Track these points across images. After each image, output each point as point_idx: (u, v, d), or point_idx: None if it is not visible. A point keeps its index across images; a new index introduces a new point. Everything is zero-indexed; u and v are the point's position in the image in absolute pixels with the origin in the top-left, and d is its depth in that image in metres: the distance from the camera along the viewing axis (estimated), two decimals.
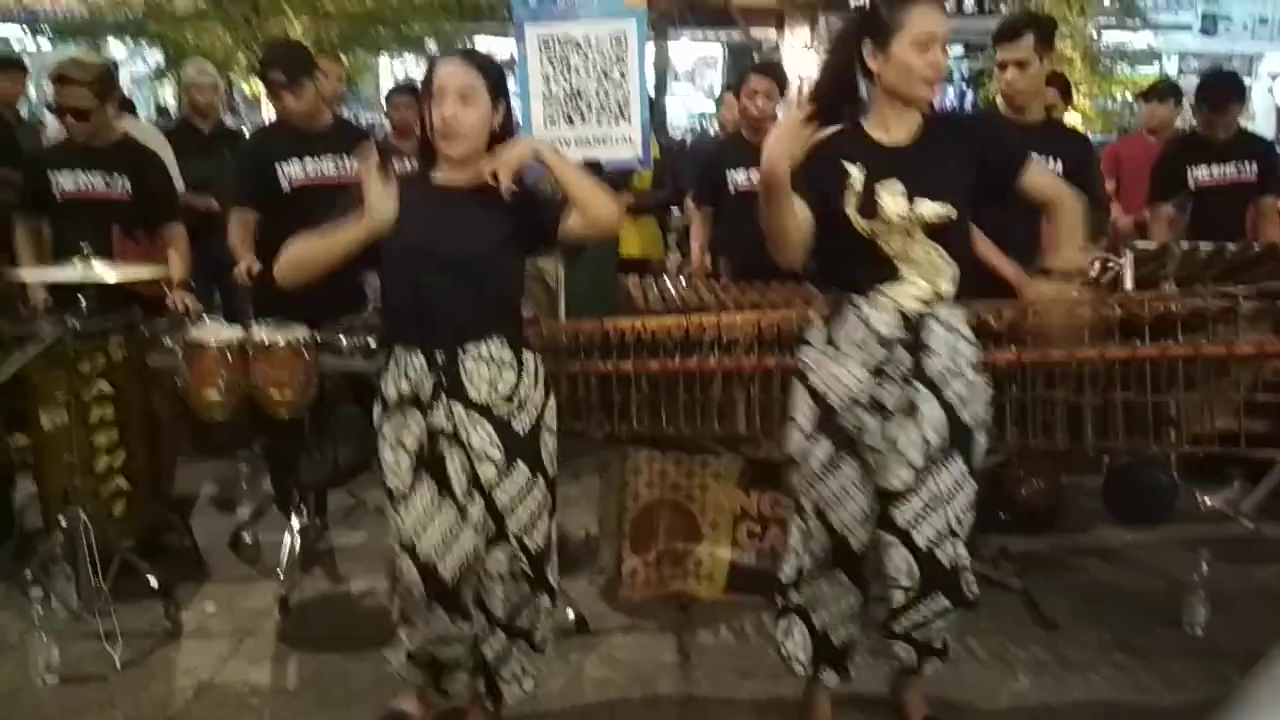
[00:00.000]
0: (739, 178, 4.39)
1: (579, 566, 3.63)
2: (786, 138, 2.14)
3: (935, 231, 2.31)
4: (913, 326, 2.34)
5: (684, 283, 3.89)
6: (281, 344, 3.13)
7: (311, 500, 3.63)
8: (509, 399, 2.39)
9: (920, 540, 2.34)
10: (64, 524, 3.09)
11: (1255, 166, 4.47)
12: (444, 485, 2.40)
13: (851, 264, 2.37)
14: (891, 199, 2.30)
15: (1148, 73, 12.07)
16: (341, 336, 3.22)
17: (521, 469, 2.41)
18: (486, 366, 2.37)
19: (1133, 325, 2.92)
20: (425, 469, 2.40)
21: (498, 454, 2.37)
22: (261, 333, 3.15)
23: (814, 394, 2.42)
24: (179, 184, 4.51)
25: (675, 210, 5.89)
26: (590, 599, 3.42)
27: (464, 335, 2.37)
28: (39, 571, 3.13)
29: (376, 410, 2.47)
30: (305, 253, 2.39)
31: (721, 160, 4.56)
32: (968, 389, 2.38)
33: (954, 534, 2.37)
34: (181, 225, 3.91)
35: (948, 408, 2.34)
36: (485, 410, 2.37)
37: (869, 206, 2.31)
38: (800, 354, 2.49)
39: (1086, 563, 3.82)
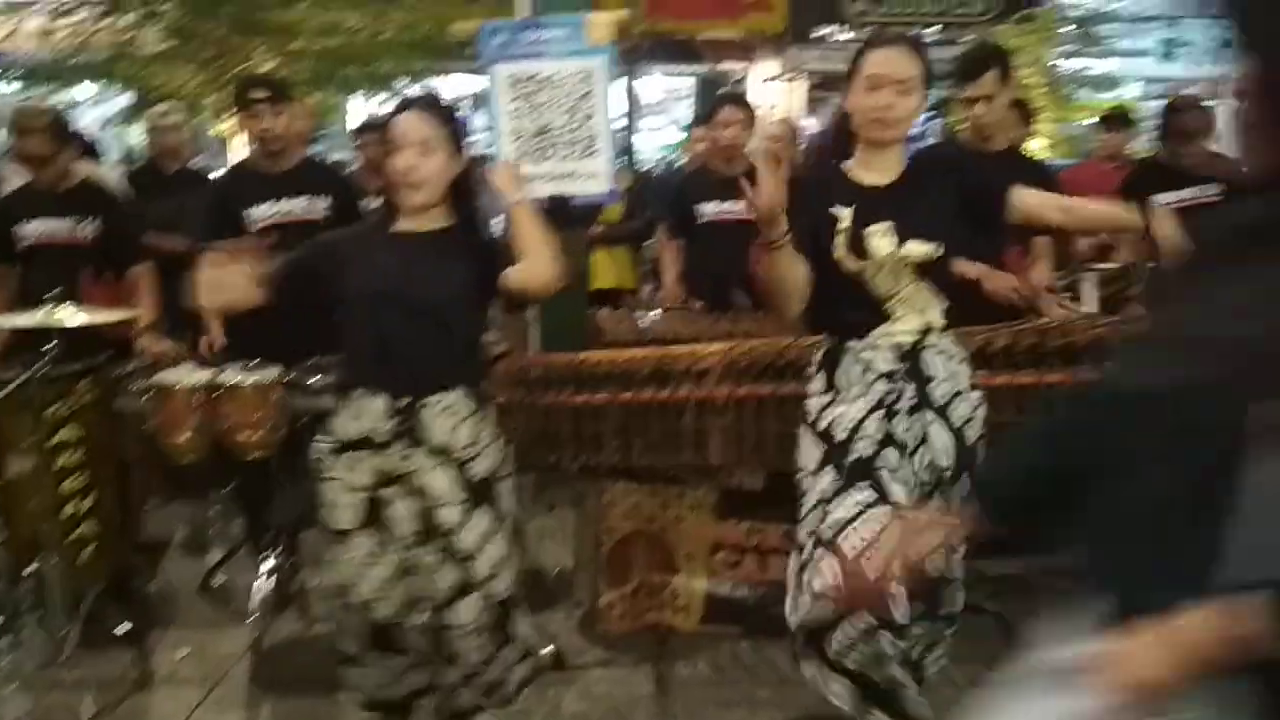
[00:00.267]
0: (708, 209, 4.44)
1: (555, 601, 3.61)
2: (770, 200, 2.14)
3: (923, 269, 2.34)
4: (910, 356, 2.37)
5: (658, 313, 3.91)
6: (249, 385, 3.11)
7: (283, 541, 3.58)
8: (468, 446, 2.39)
9: None
10: (32, 571, 3.04)
11: (1218, 189, 4.53)
12: (387, 530, 2.38)
13: (843, 307, 2.38)
14: (879, 240, 2.32)
15: (1111, 98, 12.26)
16: (311, 375, 3.20)
17: (484, 514, 2.40)
18: (448, 417, 2.38)
19: (1100, 348, 2.96)
20: (371, 512, 2.38)
21: (461, 496, 2.36)
22: (229, 374, 3.14)
23: (820, 435, 2.40)
24: None
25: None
26: (567, 633, 3.40)
27: (428, 383, 2.37)
28: (7, 619, 3.08)
29: (321, 448, 2.45)
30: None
31: (690, 192, 4.61)
32: (971, 409, 2.41)
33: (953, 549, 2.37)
34: (148, 268, 3.89)
35: (955, 432, 2.38)
36: (445, 455, 2.37)
37: (858, 248, 2.33)
38: (804, 407, 2.49)
39: (1060, 583, 3.83)
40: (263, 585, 3.40)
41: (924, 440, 2.36)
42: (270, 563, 3.45)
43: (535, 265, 2.41)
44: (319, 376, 3.19)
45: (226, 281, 2.42)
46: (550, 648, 3.20)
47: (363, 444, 2.38)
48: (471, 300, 2.46)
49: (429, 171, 2.37)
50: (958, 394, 2.40)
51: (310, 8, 8.56)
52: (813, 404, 2.45)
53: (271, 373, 3.15)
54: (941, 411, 2.37)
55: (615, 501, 3.42)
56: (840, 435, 2.36)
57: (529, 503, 3.66)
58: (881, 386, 2.35)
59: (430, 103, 2.49)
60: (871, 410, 2.35)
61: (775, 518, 3.22)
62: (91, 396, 3.29)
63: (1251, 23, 1.03)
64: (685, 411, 3.15)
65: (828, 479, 2.36)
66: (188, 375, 3.18)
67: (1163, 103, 4.99)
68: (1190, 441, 1.02)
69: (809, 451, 2.43)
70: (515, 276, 2.42)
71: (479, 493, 2.40)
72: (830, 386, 2.41)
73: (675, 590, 3.41)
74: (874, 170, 2.41)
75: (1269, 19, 1.00)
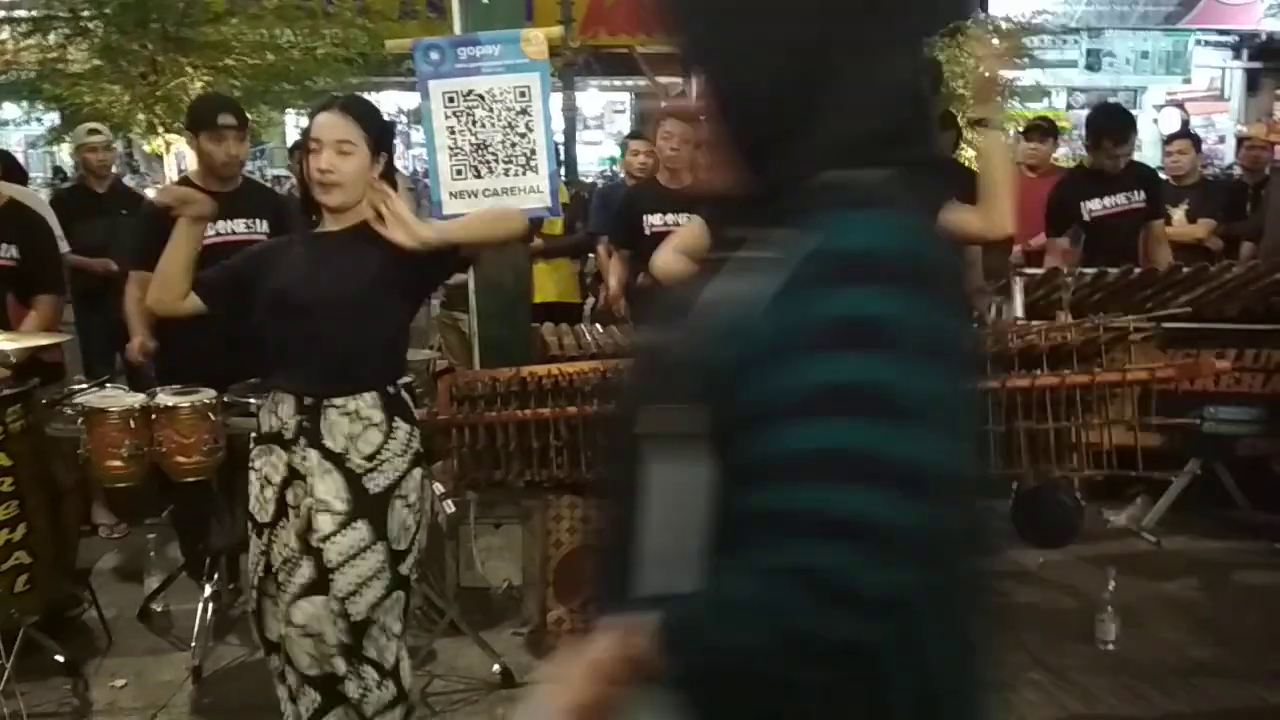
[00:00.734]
0: (654, 220, 4.49)
1: (503, 618, 3.59)
2: None
3: None
4: None
5: (600, 328, 3.92)
6: (185, 407, 3.06)
7: (223, 565, 3.53)
8: (368, 458, 2.37)
9: None
10: None
11: (1144, 195, 4.66)
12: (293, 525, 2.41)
13: None
14: None
15: (1038, 108, 12.57)
16: (250, 396, 3.16)
17: (361, 529, 2.35)
18: (350, 421, 2.37)
19: (1031, 355, 3.03)
20: (286, 505, 2.40)
21: (340, 506, 2.34)
22: (164, 397, 3.09)
23: None
24: (64, 246, 4.43)
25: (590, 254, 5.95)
26: (515, 650, 3.39)
27: (334, 383, 2.37)
28: None
29: (252, 439, 2.51)
30: (159, 270, 2.50)
31: (637, 204, 4.65)
32: None
33: None
34: (58, 297, 3.80)
35: None
36: (339, 461, 2.35)
37: None
38: None
39: (1002, 585, 3.90)
40: (202, 610, 3.35)
41: None
42: (209, 588, 3.41)
43: (499, 235, 2.49)
44: (257, 397, 3.15)
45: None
46: (497, 666, 3.19)
47: (276, 439, 2.41)
48: (384, 296, 2.43)
49: (347, 172, 2.36)
50: None
51: (242, 24, 8.44)
52: None
53: (208, 394, 3.10)
54: None
55: (562, 515, 3.42)
56: None
57: (475, 520, 3.63)
58: None
59: (349, 103, 2.46)
60: None
61: None
62: (21, 422, 3.20)
63: (700, 41, 1.05)
64: None
65: None
66: (121, 399, 3.12)
67: (1088, 111, 5.09)
68: (624, 450, 1.03)
69: None
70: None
71: (367, 507, 2.36)
72: None
73: None
74: None
75: (717, 37, 1.02)
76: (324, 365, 2.37)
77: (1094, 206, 4.64)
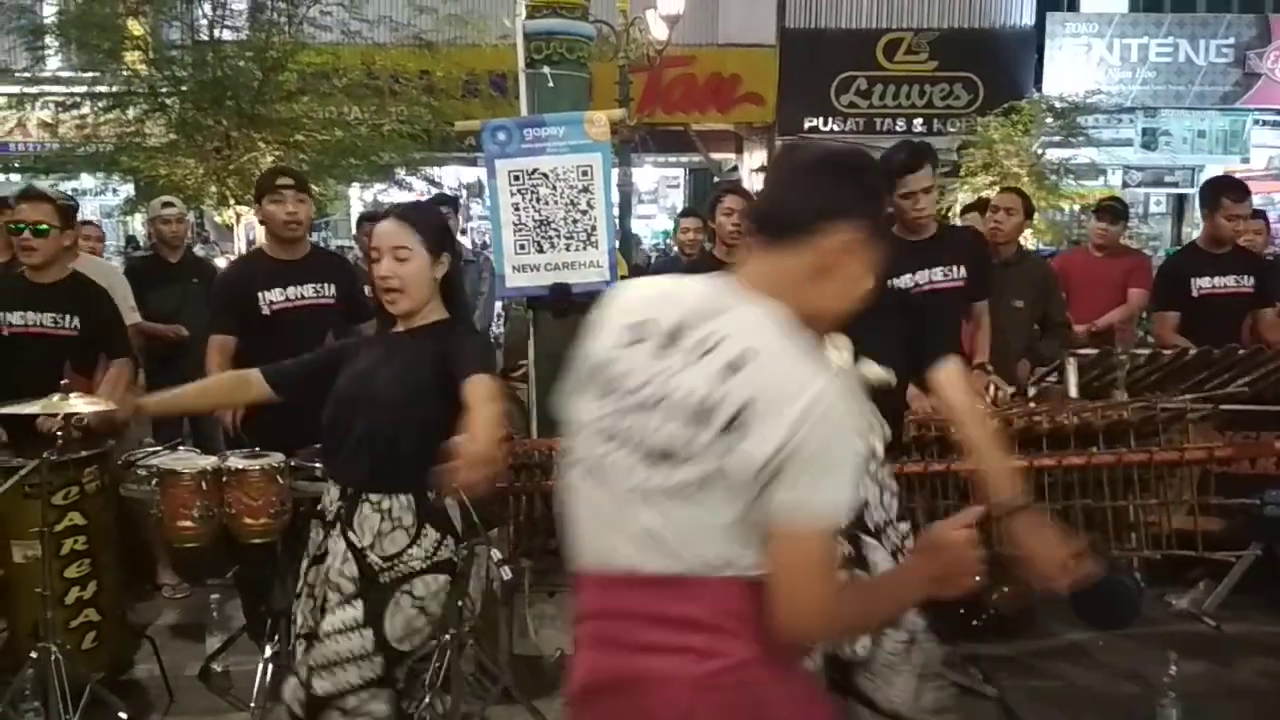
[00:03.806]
0: None
1: (556, 686, 3.59)
2: None
3: (875, 394, 2.36)
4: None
5: None
6: (255, 470, 3.14)
7: (284, 627, 3.58)
8: (387, 559, 2.43)
9: None
10: (34, 657, 3.04)
11: (1252, 280, 4.61)
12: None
13: None
14: (836, 354, 2.29)
15: (1093, 186, 12.53)
16: (316, 461, 3.24)
17: (356, 608, 2.41)
18: (381, 519, 2.44)
19: (1088, 433, 3.03)
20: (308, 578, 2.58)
21: (349, 588, 2.44)
22: (235, 460, 3.17)
23: None
24: (136, 315, 4.57)
25: None
26: None
27: (372, 479, 2.45)
28: (8, 707, 3.07)
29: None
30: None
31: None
32: (897, 533, 2.48)
33: None
34: (128, 361, 3.89)
35: (893, 556, 2.42)
36: (360, 555, 2.45)
37: None
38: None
39: (1060, 667, 3.84)
40: (263, 671, 3.40)
41: (861, 564, 2.38)
42: (270, 649, 3.45)
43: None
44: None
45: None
46: None
47: (320, 521, 2.58)
48: (434, 396, 2.39)
49: (406, 276, 2.42)
50: (889, 520, 2.47)
51: (313, 102, 8.77)
52: None
53: (277, 458, 3.18)
54: (878, 535, 2.43)
55: None
56: None
57: (529, 588, 3.66)
58: None
59: (405, 211, 2.54)
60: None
61: None
62: (96, 483, 3.32)
63: None
64: None
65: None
66: (193, 461, 3.21)
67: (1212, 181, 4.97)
68: None
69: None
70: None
71: (370, 591, 2.42)
72: None
73: None
74: None
75: None
76: (365, 460, 2.44)
77: (1203, 284, 4.61)
